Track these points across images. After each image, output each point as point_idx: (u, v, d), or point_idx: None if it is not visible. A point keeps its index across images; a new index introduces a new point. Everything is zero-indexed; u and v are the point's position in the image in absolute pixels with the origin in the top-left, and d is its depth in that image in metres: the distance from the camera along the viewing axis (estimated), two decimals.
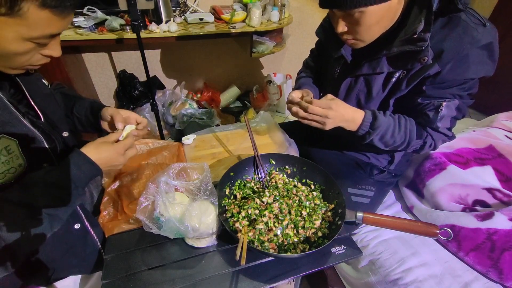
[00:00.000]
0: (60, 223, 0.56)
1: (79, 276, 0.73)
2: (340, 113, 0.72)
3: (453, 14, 0.66)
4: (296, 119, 0.80)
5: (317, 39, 1.05)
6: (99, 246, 0.72)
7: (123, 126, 0.70)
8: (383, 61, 0.74)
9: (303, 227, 0.69)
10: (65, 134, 0.70)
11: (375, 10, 0.63)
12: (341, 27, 0.70)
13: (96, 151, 0.59)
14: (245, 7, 1.89)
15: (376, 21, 0.66)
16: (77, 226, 0.67)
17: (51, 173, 0.55)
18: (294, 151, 0.99)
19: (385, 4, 0.63)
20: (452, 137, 0.81)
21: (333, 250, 0.70)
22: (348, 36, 0.72)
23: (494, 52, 0.67)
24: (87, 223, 0.69)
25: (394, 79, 0.76)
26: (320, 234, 0.68)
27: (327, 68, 0.96)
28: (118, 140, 0.65)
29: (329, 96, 0.76)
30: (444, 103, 0.72)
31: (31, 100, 0.62)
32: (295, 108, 0.76)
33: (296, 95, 0.81)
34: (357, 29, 0.68)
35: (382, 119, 0.75)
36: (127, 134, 0.68)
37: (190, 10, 1.96)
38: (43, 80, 0.68)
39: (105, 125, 0.78)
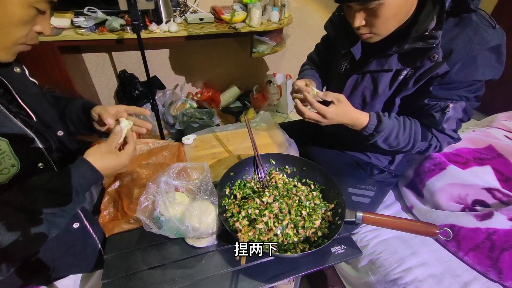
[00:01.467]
0: (58, 230, 0.55)
1: (79, 276, 0.73)
2: (335, 120, 0.76)
3: (465, 14, 0.67)
4: (296, 119, 0.81)
5: (323, 34, 1.05)
6: (99, 245, 0.72)
7: (113, 121, 0.68)
8: (392, 58, 0.74)
9: (303, 227, 0.69)
10: (60, 133, 0.69)
11: (393, 2, 0.63)
12: (359, 20, 0.69)
13: (102, 161, 0.58)
14: (245, 7, 1.89)
15: (394, 13, 0.66)
16: (76, 225, 0.67)
17: (53, 179, 0.54)
18: (294, 151, 0.99)
19: None
20: (457, 139, 0.80)
21: (333, 249, 0.70)
22: (365, 30, 0.72)
23: (502, 55, 0.67)
24: (86, 222, 0.69)
25: (401, 77, 0.76)
26: (320, 233, 0.68)
27: (333, 62, 0.96)
28: (119, 144, 0.64)
29: (341, 97, 0.75)
30: (451, 105, 0.71)
31: (20, 101, 0.60)
32: (296, 100, 0.80)
33: (301, 83, 0.84)
34: (375, 22, 0.68)
35: (386, 122, 0.75)
36: (127, 133, 0.67)
37: (190, 10, 1.96)
38: (31, 78, 0.66)
39: (96, 125, 0.75)
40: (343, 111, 0.75)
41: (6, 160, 0.53)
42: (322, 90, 1.02)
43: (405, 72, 0.75)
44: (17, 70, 0.62)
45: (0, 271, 0.50)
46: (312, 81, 0.90)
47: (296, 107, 0.80)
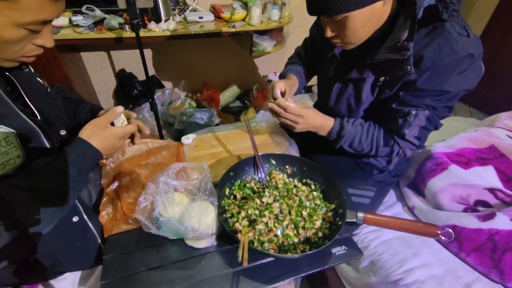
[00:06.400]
0: (67, 209, 0.57)
1: (78, 276, 0.73)
2: (309, 122, 0.82)
3: (437, 23, 0.66)
4: None
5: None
6: (99, 240, 0.72)
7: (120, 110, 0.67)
8: (370, 67, 0.76)
9: (303, 228, 0.68)
10: (63, 132, 0.69)
11: (359, 14, 0.64)
12: (329, 32, 0.72)
13: (92, 133, 0.59)
14: (245, 5, 1.88)
15: (362, 25, 0.67)
16: (75, 219, 0.68)
17: (56, 159, 0.56)
18: (294, 151, 0.99)
19: (367, 8, 0.63)
20: (419, 146, 0.84)
21: (334, 250, 0.69)
22: (337, 39, 0.74)
23: (473, 64, 0.66)
24: (85, 216, 0.70)
25: (380, 83, 0.77)
26: (320, 234, 0.68)
27: (322, 68, 0.97)
28: (113, 123, 0.64)
29: (308, 106, 0.83)
30: (413, 112, 0.73)
31: (26, 98, 0.61)
32: (271, 104, 0.83)
33: (280, 86, 0.86)
34: (345, 33, 0.69)
35: (348, 128, 0.81)
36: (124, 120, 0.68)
37: (190, 8, 1.95)
38: (38, 79, 0.68)
39: None
40: (311, 115, 0.82)
41: (13, 151, 0.55)
42: (306, 84, 1.09)
43: (382, 78, 0.76)
44: (25, 69, 0.64)
45: (13, 254, 0.52)
46: (292, 83, 0.92)
47: (270, 109, 0.85)
